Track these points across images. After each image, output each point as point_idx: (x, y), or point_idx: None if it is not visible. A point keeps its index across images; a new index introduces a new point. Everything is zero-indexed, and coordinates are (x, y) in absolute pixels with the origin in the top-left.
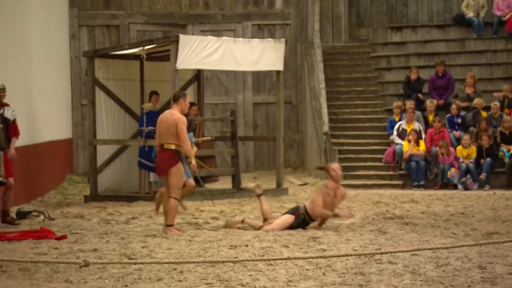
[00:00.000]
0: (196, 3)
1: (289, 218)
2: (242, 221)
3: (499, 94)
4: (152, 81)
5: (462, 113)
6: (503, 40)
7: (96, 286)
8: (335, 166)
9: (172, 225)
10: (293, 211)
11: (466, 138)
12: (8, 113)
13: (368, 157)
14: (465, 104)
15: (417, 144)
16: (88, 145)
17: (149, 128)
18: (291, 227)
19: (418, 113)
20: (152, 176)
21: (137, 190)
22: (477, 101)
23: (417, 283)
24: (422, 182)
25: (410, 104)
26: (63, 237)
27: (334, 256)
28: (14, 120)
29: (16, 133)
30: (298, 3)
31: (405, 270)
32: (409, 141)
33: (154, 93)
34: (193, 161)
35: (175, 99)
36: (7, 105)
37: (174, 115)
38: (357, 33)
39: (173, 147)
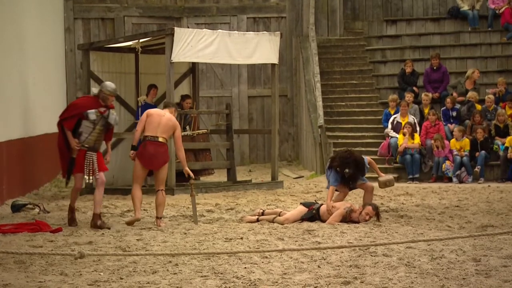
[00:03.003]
0: None
1: (303, 210)
2: (257, 220)
3: (493, 90)
4: (147, 74)
5: (457, 106)
6: (498, 33)
7: (91, 279)
8: (370, 211)
9: (161, 217)
10: (308, 205)
11: (456, 130)
12: (111, 118)
13: (363, 150)
14: (461, 98)
15: (412, 137)
16: None
17: None
18: (302, 218)
19: (415, 106)
20: None
21: None
22: (471, 94)
23: (412, 275)
24: (416, 175)
25: (409, 96)
26: (58, 230)
27: (329, 248)
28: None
29: (111, 138)
30: None
31: (400, 263)
32: (404, 134)
33: (153, 86)
34: (188, 169)
35: (170, 105)
36: (113, 107)
37: (173, 119)
38: (352, 26)
39: (165, 142)
